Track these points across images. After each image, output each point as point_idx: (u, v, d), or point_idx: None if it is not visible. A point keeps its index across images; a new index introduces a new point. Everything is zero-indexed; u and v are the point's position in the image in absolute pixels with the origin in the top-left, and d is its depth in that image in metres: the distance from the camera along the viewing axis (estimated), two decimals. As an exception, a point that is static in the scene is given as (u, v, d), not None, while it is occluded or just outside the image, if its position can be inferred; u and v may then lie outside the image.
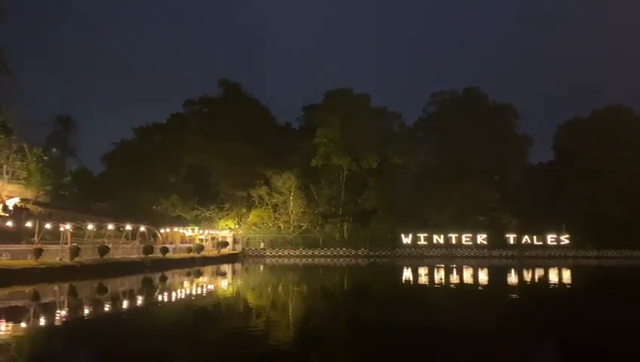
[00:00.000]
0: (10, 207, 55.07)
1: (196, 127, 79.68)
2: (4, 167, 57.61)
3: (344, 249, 75.52)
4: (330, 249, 75.63)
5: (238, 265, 56.67)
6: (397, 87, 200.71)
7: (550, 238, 77.61)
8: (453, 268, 51.50)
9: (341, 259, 69.28)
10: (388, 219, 76.24)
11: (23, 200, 58.65)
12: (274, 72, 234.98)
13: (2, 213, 51.40)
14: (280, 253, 74.57)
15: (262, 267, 55.64)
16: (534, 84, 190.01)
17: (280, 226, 78.98)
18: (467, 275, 43.79)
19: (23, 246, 36.64)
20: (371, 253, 73.63)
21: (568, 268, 54.71)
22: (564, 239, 77.48)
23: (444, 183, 77.77)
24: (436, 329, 17.59)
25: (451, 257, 71.47)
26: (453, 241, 77.48)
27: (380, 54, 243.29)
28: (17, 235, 41.05)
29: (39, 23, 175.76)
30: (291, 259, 69.59)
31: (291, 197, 77.98)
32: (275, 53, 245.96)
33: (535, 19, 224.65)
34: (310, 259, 69.66)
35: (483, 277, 43.59)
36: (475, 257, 72.82)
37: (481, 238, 77.80)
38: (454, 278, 40.87)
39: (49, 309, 22.40)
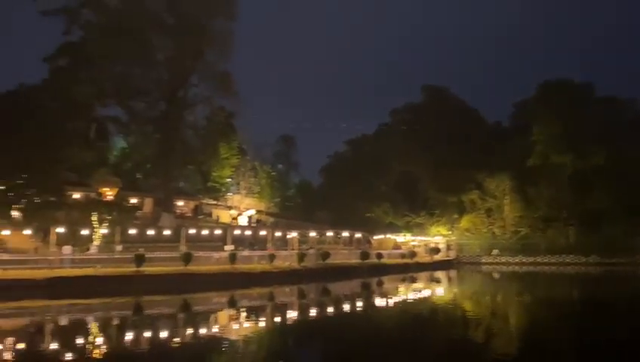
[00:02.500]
0: (247, 218, 63.19)
1: (403, 134, 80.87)
2: (242, 183, 66.58)
3: (571, 256, 67.90)
4: (554, 256, 68.88)
5: (452, 272, 55.42)
6: (621, 73, 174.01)
7: None
8: None
9: (568, 267, 62.58)
10: (624, 220, 66.22)
11: (257, 211, 66.88)
12: (478, 70, 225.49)
13: (242, 224, 59.14)
14: (497, 260, 70.61)
15: (479, 274, 53.49)
16: None
17: (495, 232, 74.98)
18: None
19: (258, 253, 41.56)
20: (605, 261, 64.76)
21: None
22: None
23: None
24: None
25: None
26: None
27: (590, 38, 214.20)
28: (253, 242, 46.79)
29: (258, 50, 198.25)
30: (510, 267, 65.39)
31: (506, 201, 73.37)
32: (477, 51, 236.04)
33: None
34: (531, 267, 64.44)
35: None
36: None
37: None
38: None
39: (288, 308, 24.90)
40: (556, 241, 71.62)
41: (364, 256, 47.82)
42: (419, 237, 70.79)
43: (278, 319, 21.49)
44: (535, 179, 72.15)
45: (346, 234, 52.97)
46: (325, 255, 43.50)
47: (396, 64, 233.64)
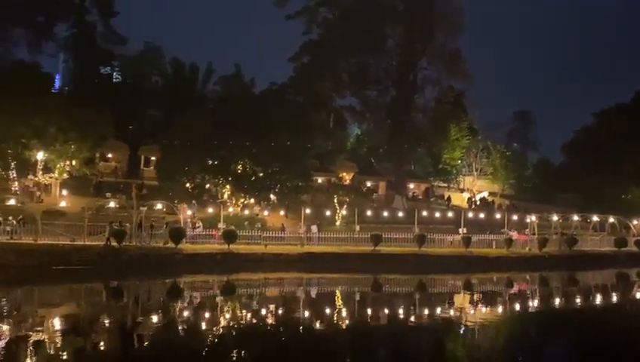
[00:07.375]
0: (480, 200, 61.17)
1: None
2: (474, 164, 64.70)
3: None
4: None
5: None
6: None
7: None
8: None
9: None
10: None
11: (490, 193, 64.26)
12: None
13: (474, 206, 57.58)
14: None
15: None
16: None
17: None
18: None
19: (494, 237, 39.77)
20: None
21: None
22: None
23: None
24: None
25: None
26: None
27: None
28: (486, 226, 44.86)
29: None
30: None
31: None
32: None
33: None
34: None
35: None
36: None
37: None
38: None
39: (528, 296, 23.65)
40: None
41: (620, 243, 41.88)
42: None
43: (517, 307, 20.48)
44: None
45: (596, 218, 47.04)
46: (571, 241, 39.40)
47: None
